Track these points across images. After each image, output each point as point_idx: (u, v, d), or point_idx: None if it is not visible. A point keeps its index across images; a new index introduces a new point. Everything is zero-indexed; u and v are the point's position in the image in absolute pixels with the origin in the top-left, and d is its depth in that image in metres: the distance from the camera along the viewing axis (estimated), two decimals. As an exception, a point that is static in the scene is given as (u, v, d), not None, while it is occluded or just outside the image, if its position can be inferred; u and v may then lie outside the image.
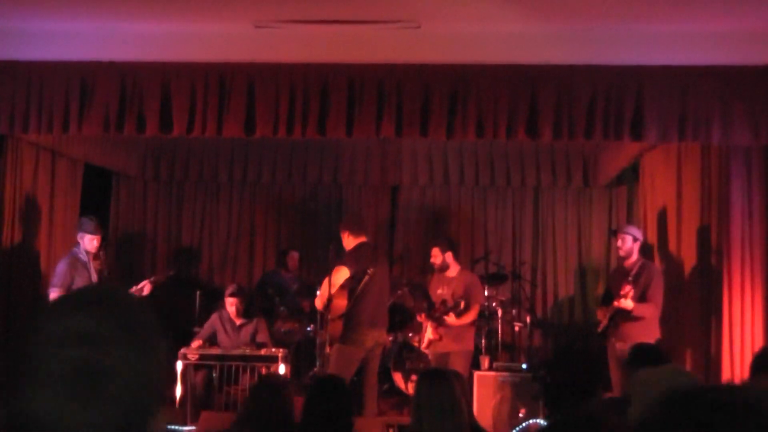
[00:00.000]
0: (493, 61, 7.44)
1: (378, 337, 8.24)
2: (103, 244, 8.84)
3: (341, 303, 8.09)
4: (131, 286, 8.78)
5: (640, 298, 7.93)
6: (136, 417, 1.36)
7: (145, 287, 8.68)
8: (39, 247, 9.59)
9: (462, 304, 8.56)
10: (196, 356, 8.71)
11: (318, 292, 8.37)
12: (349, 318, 8.06)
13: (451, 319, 8.59)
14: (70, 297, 1.43)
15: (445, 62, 7.48)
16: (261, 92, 7.57)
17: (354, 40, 7.51)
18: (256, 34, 7.51)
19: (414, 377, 9.70)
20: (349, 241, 8.28)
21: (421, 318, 9.09)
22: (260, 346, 9.11)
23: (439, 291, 8.91)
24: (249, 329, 9.34)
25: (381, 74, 7.50)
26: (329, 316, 8.17)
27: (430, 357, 9.02)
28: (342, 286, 8.06)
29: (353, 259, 8.13)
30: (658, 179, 9.45)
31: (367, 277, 8.11)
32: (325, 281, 8.13)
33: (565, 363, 9.77)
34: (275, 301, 10.90)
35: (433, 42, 7.46)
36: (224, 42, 7.60)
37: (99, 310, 1.38)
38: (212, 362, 8.82)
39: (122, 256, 12.25)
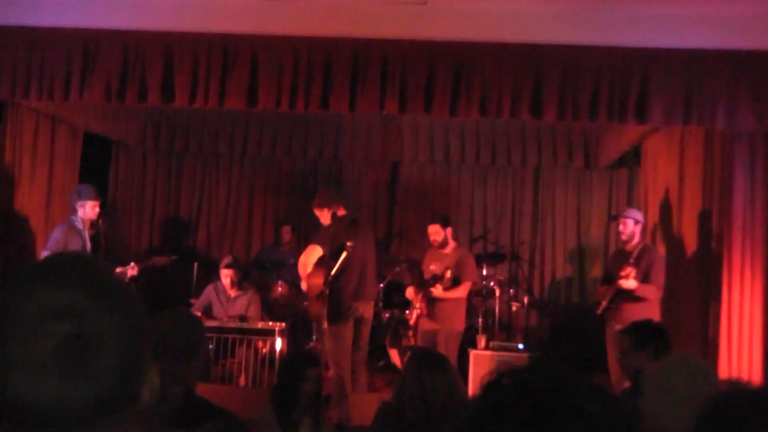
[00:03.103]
0: (499, 39, 7.39)
1: (363, 311, 8.21)
2: (102, 213, 8.81)
3: (317, 282, 8.00)
4: (119, 263, 8.79)
5: (642, 280, 7.91)
6: (124, 387, 1.34)
7: (133, 268, 8.69)
8: (37, 213, 9.56)
9: (448, 273, 8.52)
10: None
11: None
12: (332, 293, 7.98)
13: (437, 291, 8.56)
14: (41, 269, 1.39)
15: (451, 39, 7.42)
16: (264, 65, 7.52)
17: (360, 15, 7.45)
18: (262, 5, 7.46)
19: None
20: (327, 217, 8.25)
21: (409, 294, 9.05)
22: (251, 319, 9.10)
23: (432, 267, 8.87)
24: (243, 301, 9.34)
25: (386, 50, 7.44)
26: (309, 295, 8.13)
27: (419, 334, 8.98)
28: (317, 265, 8.00)
29: (326, 235, 8.09)
30: (660, 163, 9.42)
31: (345, 252, 8.03)
32: (299, 263, 8.11)
33: (561, 343, 9.81)
34: (272, 275, 10.90)
35: (439, 18, 7.41)
36: (229, 13, 7.54)
37: (74, 280, 1.35)
38: (209, 334, 8.81)
39: (119, 226, 12.22)
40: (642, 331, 5.56)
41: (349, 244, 8.02)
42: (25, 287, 1.34)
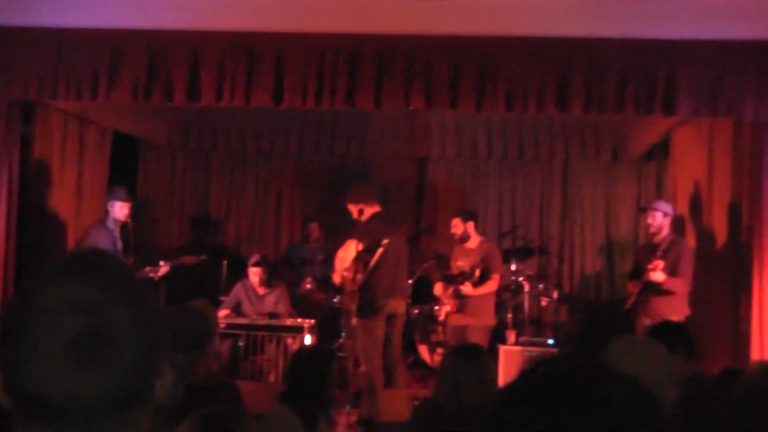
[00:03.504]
0: (524, 33, 7.37)
1: (396, 307, 8.25)
2: (132, 213, 8.88)
3: (355, 276, 8.06)
4: (149, 262, 8.87)
5: (670, 273, 7.85)
6: (140, 381, 1.36)
7: (162, 268, 8.78)
8: (67, 214, 9.63)
9: (477, 272, 8.51)
10: (224, 325, 8.74)
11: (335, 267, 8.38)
12: (366, 290, 8.04)
13: (467, 288, 8.55)
14: (62, 264, 1.42)
15: (475, 34, 7.41)
16: (290, 62, 7.54)
17: (384, 11, 7.45)
18: (286, 3, 7.48)
19: (440, 350, 9.69)
20: (362, 213, 8.26)
21: (437, 290, 9.04)
22: (280, 315, 9.13)
23: (459, 263, 8.85)
24: (272, 299, 9.37)
25: (411, 46, 7.44)
26: (345, 290, 8.17)
27: (448, 330, 8.97)
28: (354, 260, 8.04)
29: (363, 231, 8.11)
30: (688, 155, 9.34)
31: (381, 249, 8.08)
32: (336, 257, 8.15)
33: (591, 338, 9.75)
34: (301, 272, 10.92)
35: (463, 13, 7.40)
36: (254, 11, 7.56)
37: (92, 275, 1.37)
38: (239, 331, 8.85)
39: (149, 226, 12.28)
40: (669, 333, 5.50)
41: (385, 240, 8.06)
42: (45, 281, 1.36)
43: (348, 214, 8.47)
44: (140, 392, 1.36)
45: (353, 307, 8.07)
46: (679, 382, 3.52)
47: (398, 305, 8.33)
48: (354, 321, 8.16)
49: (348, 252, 8.07)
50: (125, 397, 1.33)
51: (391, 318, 8.22)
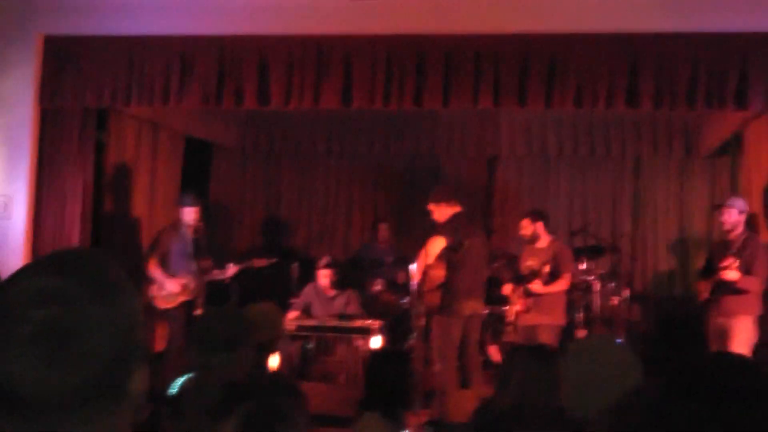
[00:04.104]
0: (592, 29, 7.33)
1: (476, 308, 8.24)
2: (202, 217, 9.00)
3: (439, 273, 8.07)
4: (220, 265, 8.99)
5: (745, 271, 7.71)
6: (111, 375, 1.34)
7: (229, 270, 8.90)
8: (141, 218, 9.81)
9: (547, 268, 8.45)
10: (293, 327, 8.80)
11: (415, 264, 8.37)
12: (447, 288, 8.05)
13: (536, 286, 8.49)
14: (39, 259, 1.42)
15: (543, 32, 7.38)
16: (357, 64, 7.59)
17: (450, 11, 7.46)
18: (353, 5, 7.53)
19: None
20: (444, 212, 8.25)
21: (506, 290, 8.99)
22: (350, 317, 9.16)
23: (529, 262, 8.79)
24: (341, 301, 9.42)
25: (478, 45, 7.44)
26: (426, 287, 8.16)
27: (518, 330, 8.92)
28: (439, 257, 8.06)
29: (449, 229, 8.11)
30: (763, 149, 9.15)
31: (464, 248, 8.09)
32: (421, 252, 8.14)
33: (664, 337, 9.60)
34: (370, 273, 10.95)
35: (530, 11, 7.38)
36: (321, 14, 7.63)
37: (65, 269, 1.36)
38: (308, 333, 8.90)
39: (220, 229, 12.41)
40: None
41: (467, 241, 8.10)
42: (19, 274, 1.36)
43: (419, 214, 8.49)
44: (111, 388, 1.35)
45: (433, 305, 8.08)
46: None
47: (477, 306, 8.34)
48: (422, 321, 8.16)
49: (434, 247, 8.08)
50: (93, 392, 1.32)
51: (469, 319, 8.22)
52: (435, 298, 8.10)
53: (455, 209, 8.28)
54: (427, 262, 8.07)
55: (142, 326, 1.43)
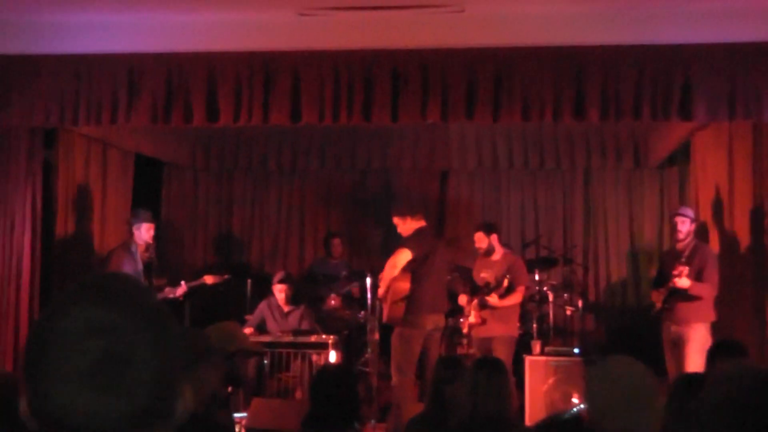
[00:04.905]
0: (538, 43, 7.39)
1: (437, 321, 8.33)
2: (156, 235, 8.96)
3: (404, 286, 8.13)
4: (171, 283, 8.95)
5: (695, 278, 7.82)
6: (161, 401, 1.38)
7: (181, 288, 8.87)
8: (92, 238, 9.72)
9: (505, 282, 8.51)
10: (248, 343, 8.75)
11: (380, 276, 8.40)
12: (411, 301, 8.09)
13: (493, 299, 8.54)
14: (82, 287, 1.44)
15: (490, 45, 7.44)
16: (306, 80, 7.59)
17: (397, 26, 7.49)
18: (300, 21, 7.53)
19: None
20: (408, 226, 8.31)
21: (462, 301, 9.03)
22: (305, 332, 9.16)
23: (483, 274, 8.85)
24: (296, 316, 9.43)
25: (425, 59, 7.48)
26: (391, 299, 8.18)
27: (472, 342, 8.98)
28: (404, 269, 8.10)
29: (415, 242, 8.17)
30: (709, 159, 9.29)
31: (428, 261, 8.16)
32: (387, 263, 8.18)
33: (617, 346, 9.70)
34: (325, 288, 10.94)
35: (476, 25, 7.42)
36: (268, 30, 7.63)
37: (111, 299, 1.39)
38: (263, 349, 8.87)
39: (173, 247, 12.34)
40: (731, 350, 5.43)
41: (433, 255, 8.27)
42: (66, 304, 1.38)
43: (371, 228, 8.49)
44: (161, 412, 1.38)
45: (397, 316, 8.10)
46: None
47: (439, 320, 8.42)
48: (377, 335, 8.18)
49: (399, 260, 8.12)
50: (145, 417, 1.36)
51: (432, 332, 8.26)
52: (399, 310, 8.13)
53: (420, 223, 8.34)
54: (392, 274, 8.11)
55: (182, 350, 1.45)
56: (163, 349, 1.38)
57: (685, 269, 7.76)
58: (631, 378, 3.19)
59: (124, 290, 1.43)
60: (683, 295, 7.83)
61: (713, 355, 5.39)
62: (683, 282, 7.74)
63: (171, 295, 8.88)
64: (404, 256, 8.10)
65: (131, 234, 8.84)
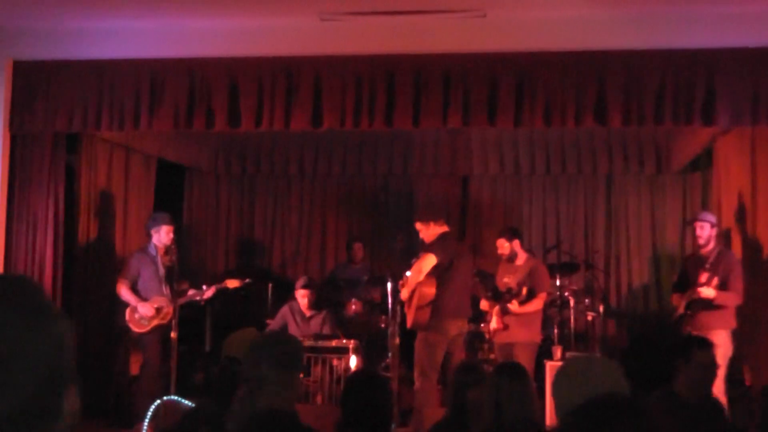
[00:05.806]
0: (560, 48, 7.38)
1: (461, 327, 8.32)
2: (177, 239, 8.97)
3: (429, 291, 8.10)
4: (195, 286, 8.95)
5: (720, 286, 7.75)
6: (43, 399, 1.36)
7: (206, 291, 8.87)
8: (114, 242, 9.77)
9: (524, 290, 8.48)
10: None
11: (403, 280, 8.39)
12: (435, 306, 8.08)
13: (514, 306, 8.51)
14: None
15: (512, 50, 7.44)
16: (327, 85, 7.61)
17: (419, 31, 7.50)
18: (322, 27, 7.56)
19: (488, 368, 9.64)
20: (431, 231, 8.29)
21: (484, 306, 9.01)
22: (327, 337, 9.17)
23: (505, 279, 8.82)
24: (318, 321, 9.43)
25: (447, 64, 7.48)
26: (416, 303, 8.17)
27: (495, 347, 8.95)
28: (429, 274, 8.09)
29: (440, 247, 8.16)
30: (732, 164, 9.23)
31: (453, 266, 8.15)
32: (413, 268, 8.17)
33: (639, 352, 9.64)
34: (346, 293, 10.94)
35: (498, 30, 7.43)
36: (290, 36, 7.66)
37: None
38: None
39: (194, 251, 12.39)
40: None
41: (458, 260, 8.24)
42: None
43: (393, 234, 8.49)
44: (42, 412, 1.36)
45: (422, 321, 8.09)
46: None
47: (463, 325, 8.41)
48: (397, 340, 8.17)
49: (426, 264, 8.10)
50: (26, 415, 1.34)
51: (456, 337, 8.26)
52: (424, 316, 8.12)
53: (443, 229, 8.33)
54: (418, 279, 8.10)
55: (70, 349, 1.43)
56: (47, 352, 1.37)
57: (715, 279, 7.68)
58: (595, 378, 3.18)
59: (14, 291, 1.42)
60: (706, 303, 7.76)
61: None
62: (708, 292, 7.66)
63: (196, 298, 8.89)
64: (429, 261, 8.09)
65: (150, 237, 8.83)
